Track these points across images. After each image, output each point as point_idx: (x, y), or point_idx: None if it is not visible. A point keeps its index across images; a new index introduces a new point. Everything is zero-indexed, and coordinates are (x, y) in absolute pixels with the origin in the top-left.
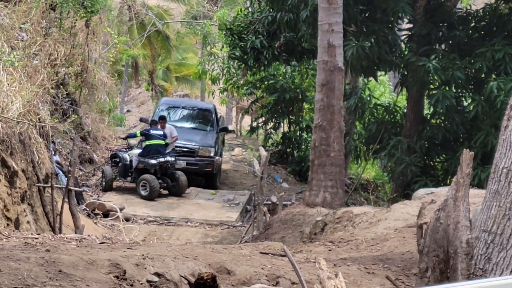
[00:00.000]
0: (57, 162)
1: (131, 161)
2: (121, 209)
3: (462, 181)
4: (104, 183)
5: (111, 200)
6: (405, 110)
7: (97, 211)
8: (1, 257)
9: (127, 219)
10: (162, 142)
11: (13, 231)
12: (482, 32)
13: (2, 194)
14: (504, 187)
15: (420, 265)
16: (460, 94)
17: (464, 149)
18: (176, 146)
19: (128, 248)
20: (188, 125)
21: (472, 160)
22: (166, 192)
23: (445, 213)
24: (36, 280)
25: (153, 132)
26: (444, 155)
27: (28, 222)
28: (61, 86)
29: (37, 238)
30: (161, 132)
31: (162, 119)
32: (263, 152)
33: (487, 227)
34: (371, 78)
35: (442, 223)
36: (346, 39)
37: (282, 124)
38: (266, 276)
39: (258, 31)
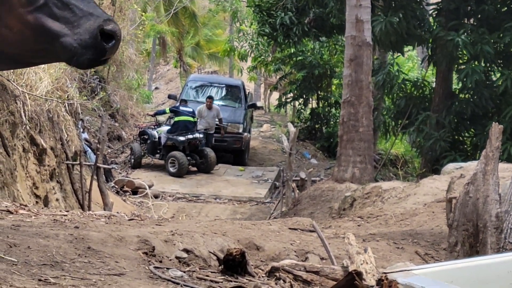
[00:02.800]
0: (86, 140)
1: (159, 138)
2: (150, 186)
3: (491, 155)
4: (132, 160)
5: (140, 177)
6: (434, 85)
7: (126, 189)
8: (30, 234)
9: (156, 196)
10: (191, 119)
11: (42, 208)
12: (511, 6)
13: (31, 172)
14: None
15: (449, 239)
16: (489, 68)
17: (493, 122)
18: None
19: (156, 225)
20: (217, 102)
21: (501, 134)
22: (194, 169)
23: (474, 187)
24: (65, 257)
25: (182, 108)
26: (473, 130)
27: (57, 199)
28: None
29: (66, 215)
30: (190, 109)
31: (210, 98)
32: (292, 128)
33: None
34: (399, 53)
35: (471, 197)
36: (374, 14)
37: (310, 100)
38: (295, 251)
39: (287, 7)
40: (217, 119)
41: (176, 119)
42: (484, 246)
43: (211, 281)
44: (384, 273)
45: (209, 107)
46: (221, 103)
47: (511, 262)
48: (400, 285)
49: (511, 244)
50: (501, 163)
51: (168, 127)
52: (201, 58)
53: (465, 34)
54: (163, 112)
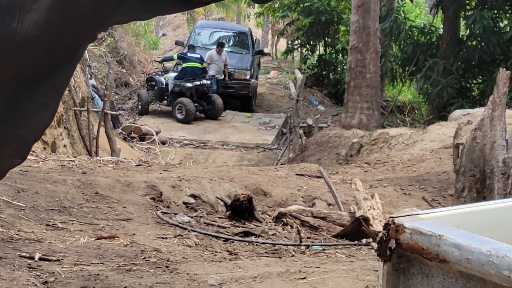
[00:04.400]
0: (93, 86)
1: (167, 84)
2: (157, 133)
3: (499, 100)
4: (140, 106)
5: (147, 123)
6: (441, 32)
7: (133, 135)
8: (38, 179)
9: (163, 143)
10: (199, 65)
11: (50, 154)
12: None
13: None
14: None
15: (456, 185)
16: (497, 15)
17: (501, 68)
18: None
19: (164, 170)
20: (224, 48)
21: (508, 79)
22: (202, 115)
23: (481, 133)
24: (73, 202)
25: (189, 55)
26: (480, 77)
27: (64, 145)
28: None
29: (73, 161)
30: (198, 55)
31: (221, 45)
32: (299, 75)
33: None
34: (406, 0)
35: (478, 143)
36: None
37: (318, 46)
38: (302, 197)
39: None
40: (225, 64)
41: (184, 65)
42: (491, 192)
43: (218, 226)
44: (391, 217)
45: (219, 52)
46: (228, 49)
47: None
48: (407, 229)
49: None
50: (509, 109)
51: (176, 73)
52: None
53: None
54: (171, 59)
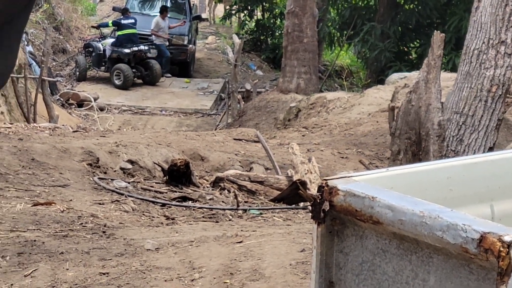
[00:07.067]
0: (30, 53)
1: (104, 50)
2: (95, 99)
3: (434, 63)
4: (77, 73)
5: (85, 90)
6: None
7: (71, 101)
8: None
9: (101, 109)
10: (134, 30)
11: None
12: None
13: None
14: (475, 68)
15: (392, 147)
16: None
17: (436, 31)
18: (149, 35)
19: (101, 136)
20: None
21: (443, 42)
22: (140, 81)
23: (416, 95)
24: (9, 168)
25: (124, 22)
26: (418, 41)
27: (1, 112)
28: None
29: (9, 128)
30: (132, 21)
31: (165, 10)
32: (237, 40)
33: (458, 108)
34: None
35: (413, 105)
36: None
37: (255, 11)
38: (239, 162)
39: None
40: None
41: (119, 33)
42: (427, 154)
43: (156, 191)
44: (325, 179)
45: (164, 18)
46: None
47: (451, 168)
48: (340, 191)
49: (453, 152)
50: (445, 72)
51: (113, 40)
52: None
53: None
54: (106, 25)
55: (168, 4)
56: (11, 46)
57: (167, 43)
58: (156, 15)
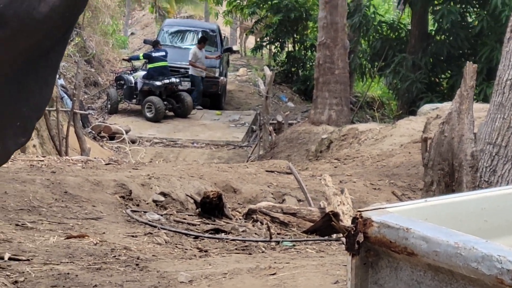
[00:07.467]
0: (62, 86)
1: (136, 83)
2: (127, 131)
3: (466, 94)
4: (109, 105)
5: (117, 122)
6: (410, 27)
7: (103, 134)
8: (7, 179)
9: (133, 141)
10: (165, 63)
11: (19, 154)
12: None
13: None
14: (508, 99)
15: (425, 179)
16: (465, 9)
17: (468, 62)
18: (181, 68)
19: (133, 169)
20: (193, 46)
21: (475, 73)
22: (171, 113)
23: (449, 126)
24: (42, 201)
25: (155, 54)
26: (449, 71)
27: (34, 146)
28: None
29: (42, 161)
30: (163, 53)
31: (204, 41)
32: (268, 72)
33: (491, 139)
34: None
35: (446, 136)
36: None
37: (286, 43)
38: (272, 193)
39: None
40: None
41: (150, 66)
42: (460, 185)
43: (188, 223)
44: (359, 211)
45: (201, 48)
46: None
47: (485, 199)
48: (374, 223)
49: (486, 182)
50: (477, 103)
51: (144, 72)
52: (177, 2)
53: None
54: (137, 58)
55: (199, 37)
56: (47, 79)
57: (204, 74)
58: (187, 48)
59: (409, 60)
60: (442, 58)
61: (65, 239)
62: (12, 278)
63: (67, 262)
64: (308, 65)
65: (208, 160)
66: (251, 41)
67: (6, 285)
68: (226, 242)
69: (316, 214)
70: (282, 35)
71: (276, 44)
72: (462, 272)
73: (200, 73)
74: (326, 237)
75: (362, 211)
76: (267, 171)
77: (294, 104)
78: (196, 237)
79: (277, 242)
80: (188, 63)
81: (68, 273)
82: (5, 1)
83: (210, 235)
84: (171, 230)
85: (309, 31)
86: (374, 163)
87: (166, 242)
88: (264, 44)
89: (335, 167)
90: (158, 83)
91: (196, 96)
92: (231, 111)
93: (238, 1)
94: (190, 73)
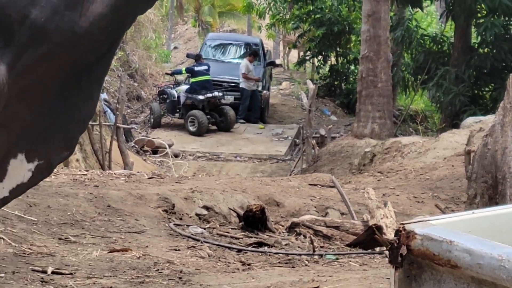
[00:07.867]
0: (105, 100)
1: (178, 97)
2: (170, 146)
3: (509, 106)
4: (152, 120)
5: (160, 136)
6: (453, 40)
7: (146, 148)
8: (50, 193)
9: (176, 156)
10: (208, 77)
11: (62, 168)
12: None
13: None
14: None
15: (468, 191)
16: (508, 22)
17: (511, 74)
18: (224, 81)
19: (176, 183)
20: (235, 60)
21: None
22: (214, 127)
23: (492, 139)
24: (85, 215)
25: (197, 68)
26: (492, 84)
27: (77, 160)
28: None
29: (85, 175)
30: (206, 67)
31: (255, 55)
32: (311, 85)
33: None
34: (417, 9)
35: (489, 149)
36: None
37: (329, 56)
38: (315, 207)
39: None
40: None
41: (193, 80)
42: (503, 198)
43: (231, 237)
44: (402, 224)
45: (252, 61)
46: (240, 61)
47: None
48: (417, 235)
49: None
50: None
51: (187, 86)
52: (219, 16)
53: None
54: (180, 72)
55: (242, 51)
56: (91, 93)
57: (255, 87)
58: (230, 62)
59: (452, 73)
60: (485, 71)
61: (108, 253)
62: None
63: (110, 276)
64: (351, 79)
65: (251, 174)
66: (294, 54)
67: None
68: (269, 255)
69: (359, 227)
70: (325, 49)
71: (319, 58)
72: (505, 284)
73: (252, 86)
74: (369, 250)
75: (405, 223)
76: (310, 184)
77: (337, 117)
78: (239, 250)
79: (320, 256)
80: (238, 77)
81: (111, 287)
82: (47, 15)
83: (253, 249)
84: (214, 244)
85: (352, 44)
86: (417, 176)
87: (209, 256)
88: (307, 57)
89: (378, 180)
90: (200, 97)
91: (241, 110)
92: (274, 125)
93: (281, 15)
94: (241, 86)
